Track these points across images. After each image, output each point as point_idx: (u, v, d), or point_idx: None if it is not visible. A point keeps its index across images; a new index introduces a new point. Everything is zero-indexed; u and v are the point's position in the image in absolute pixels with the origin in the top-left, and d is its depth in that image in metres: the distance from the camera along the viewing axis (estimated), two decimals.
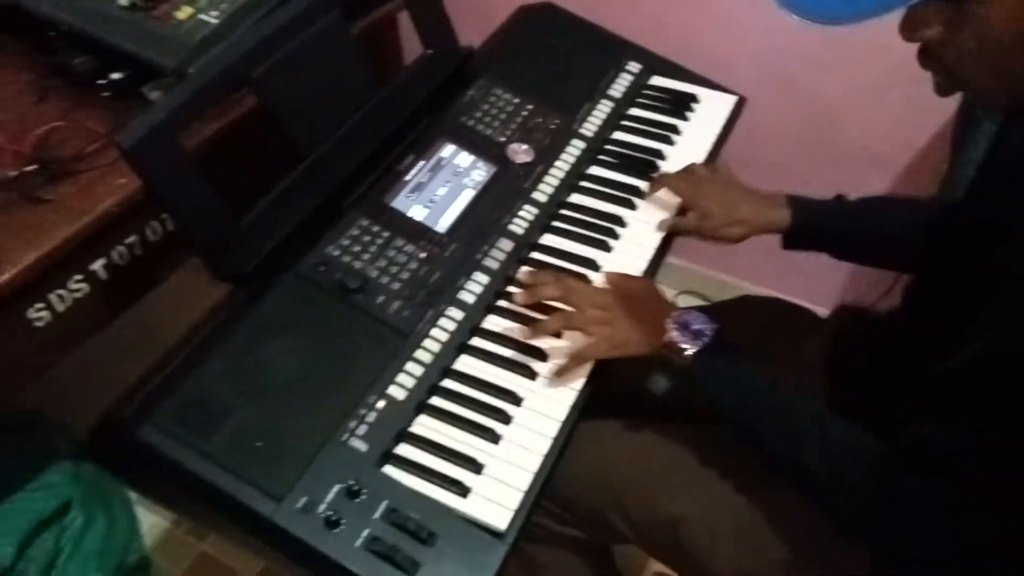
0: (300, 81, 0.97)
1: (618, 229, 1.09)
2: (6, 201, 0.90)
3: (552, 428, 0.87)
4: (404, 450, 0.83)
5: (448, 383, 0.90)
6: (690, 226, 1.09)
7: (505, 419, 0.87)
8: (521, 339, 0.93)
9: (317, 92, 1.00)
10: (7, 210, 0.90)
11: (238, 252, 0.90)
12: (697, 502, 0.92)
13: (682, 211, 1.12)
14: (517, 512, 0.80)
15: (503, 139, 1.14)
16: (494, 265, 1.01)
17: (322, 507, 0.76)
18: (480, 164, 1.11)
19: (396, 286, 0.95)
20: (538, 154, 1.14)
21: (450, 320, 0.94)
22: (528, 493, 0.81)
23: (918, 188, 1.53)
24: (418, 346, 0.91)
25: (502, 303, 0.98)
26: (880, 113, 1.53)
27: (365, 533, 0.75)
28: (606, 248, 1.06)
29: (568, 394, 0.90)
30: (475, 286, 0.98)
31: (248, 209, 0.94)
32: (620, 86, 1.28)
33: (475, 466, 0.83)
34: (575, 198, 1.13)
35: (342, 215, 0.99)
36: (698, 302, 1.96)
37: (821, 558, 0.88)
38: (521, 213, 1.07)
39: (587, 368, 0.91)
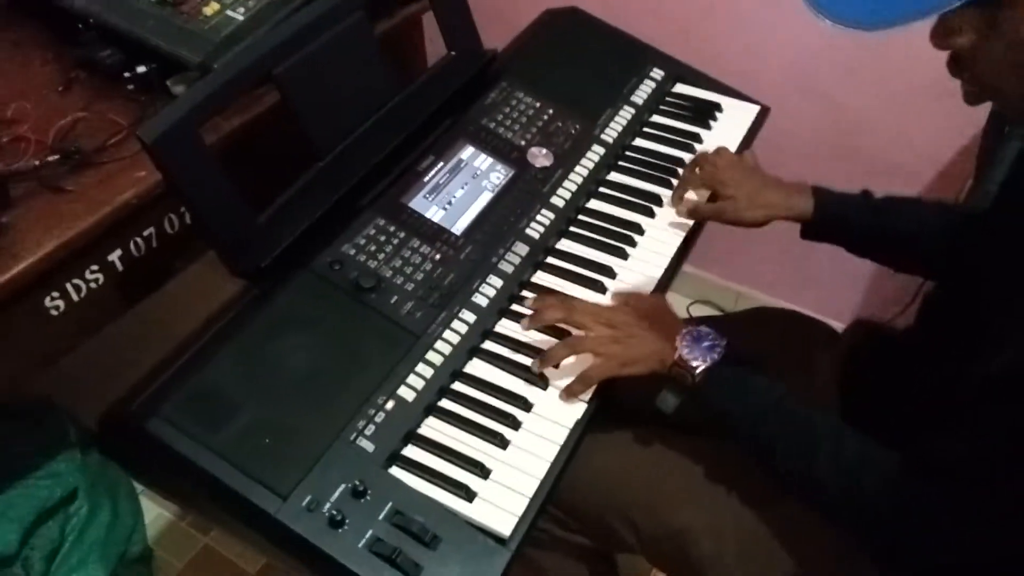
0: (322, 80, 0.98)
1: (636, 236, 1.08)
2: (27, 190, 0.91)
3: (561, 435, 0.87)
4: (411, 452, 0.83)
5: (458, 386, 0.90)
6: (712, 210, 1.08)
7: (514, 424, 0.87)
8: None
9: (339, 91, 1.00)
10: (28, 199, 0.91)
11: (254, 248, 0.90)
12: (704, 514, 0.92)
13: (709, 199, 1.11)
14: (522, 519, 0.79)
15: (523, 142, 1.14)
16: (509, 269, 1.01)
17: (327, 506, 0.76)
18: (499, 167, 1.10)
19: (410, 287, 0.95)
20: (557, 158, 1.14)
21: (463, 323, 0.94)
22: (533, 500, 0.81)
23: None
24: (429, 348, 0.90)
25: (516, 307, 0.98)
26: (906, 126, 1.51)
27: (368, 534, 0.75)
28: (623, 255, 1.06)
29: (578, 402, 0.89)
30: (489, 289, 0.98)
31: (266, 205, 0.94)
32: (643, 92, 1.27)
33: (482, 470, 0.82)
34: (593, 204, 1.12)
35: (359, 214, 0.99)
36: (713, 312, 1.95)
37: (827, 575, 0.87)
38: (538, 217, 1.07)
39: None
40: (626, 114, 1.23)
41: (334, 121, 1.00)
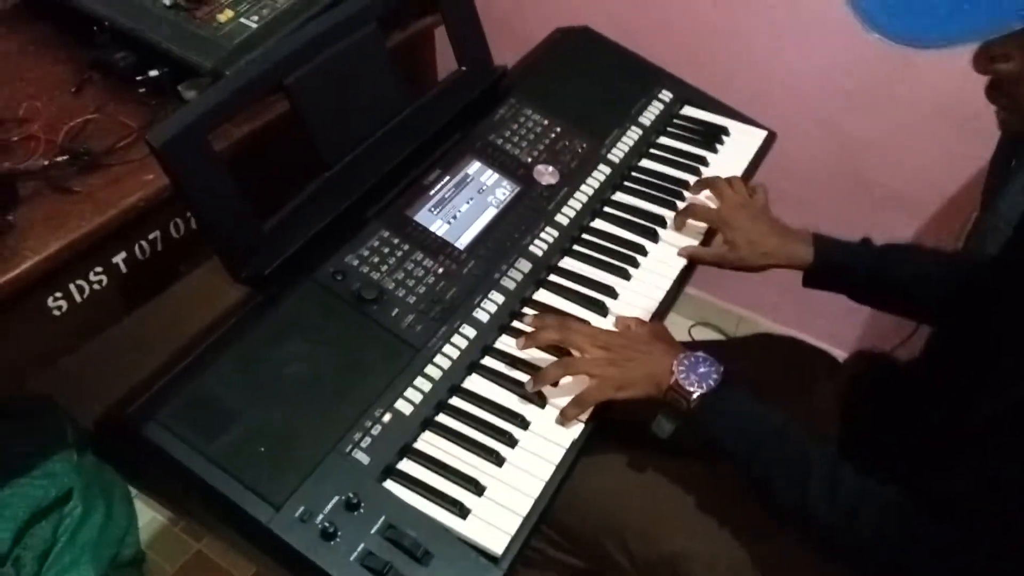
0: (332, 91, 0.98)
1: (639, 257, 1.08)
2: (35, 189, 0.92)
3: (557, 454, 0.86)
4: (406, 466, 0.83)
5: (456, 401, 0.90)
6: (713, 256, 1.08)
7: (511, 442, 0.87)
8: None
9: (348, 102, 1.00)
10: (35, 198, 0.91)
11: (258, 255, 0.90)
12: (698, 541, 0.91)
13: (707, 235, 1.11)
14: (515, 537, 0.79)
15: (529, 160, 1.15)
16: (511, 285, 1.01)
17: (320, 517, 0.75)
18: (505, 183, 1.11)
19: (412, 300, 0.95)
20: (563, 177, 1.14)
21: (463, 338, 0.94)
22: (527, 519, 0.81)
23: (946, 235, 1.51)
24: (429, 361, 0.90)
25: (516, 324, 0.98)
26: (913, 158, 1.51)
27: (360, 547, 0.75)
28: (626, 276, 1.06)
29: (576, 423, 0.89)
30: (491, 305, 0.98)
31: (271, 213, 0.95)
32: (651, 114, 1.28)
33: (477, 487, 0.82)
34: (598, 223, 1.12)
35: (364, 225, 1.00)
36: (714, 335, 1.95)
37: None
38: (542, 235, 1.07)
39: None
40: (633, 135, 1.24)
41: (343, 132, 1.01)
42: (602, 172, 1.17)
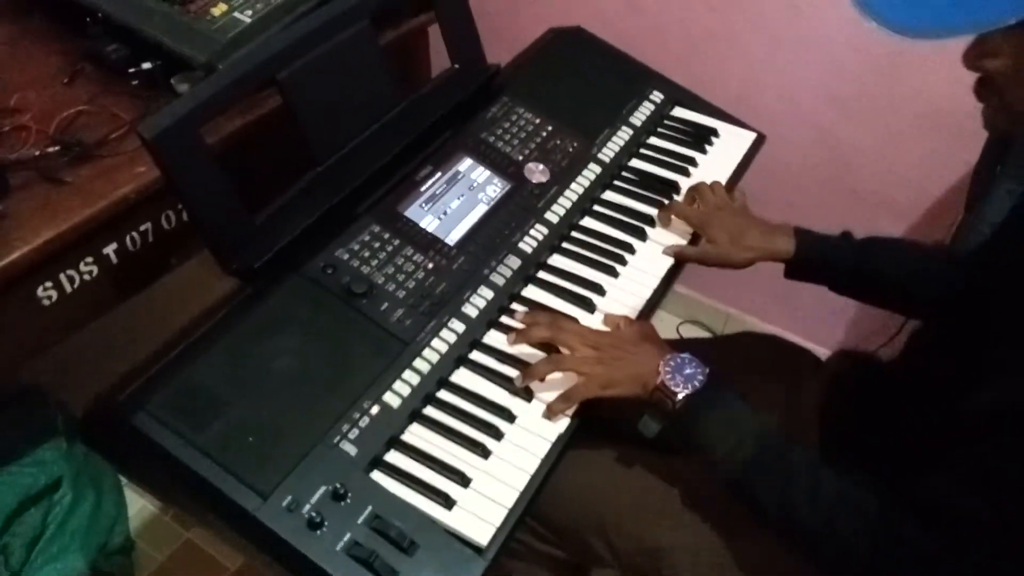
0: (325, 86, 0.99)
1: (627, 256, 1.09)
2: (26, 179, 0.92)
3: (543, 448, 0.87)
4: (394, 457, 0.84)
5: (444, 394, 0.91)
6: (697, 254, 1.10)
7: (497, 435, 0.87)
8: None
9: (341, 98, 1.01)
10: (26, 188, 0.91)
11: (248, 248, 0.91)
12: (682, 535, 0.92)
13: (693, 238, 1.13)
14: (499, 529, 0.80)
15: (520, 158, 1.15)
16: (500, 281, 1.02)
17: (306, 507, 0.76)
18: (496, 180, 1.12)
19: (401, 294, 0.95)
20: (554, 175, 1.15)
21: (451, 332, 0.95)
22: (512, 511, 0.82)
23: (933, 238, 1.53)
24: (417, 355, 0.91)
25: (505, 319, 0.99)
26: (899, 161, 1.53)
27: (346, 537, 0.75)
28: (613, 273, 1.07)
29: (561, 417, 0.90)
30: (479, 300, 0.99)
31: (263, 206, 0.95)
32: (642, 114, 1.29)
33: (463, 479, 0.83)
34: (587, 222, 1.13)
35: (355, 220, 1.00)
36: (701, 332, 1.97)
37: None
38: (532, 232, 1.08)
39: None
40: (624, 135, 1.25)
41: (335, 127, 1.01)
42: (592, 171, 1.18)
